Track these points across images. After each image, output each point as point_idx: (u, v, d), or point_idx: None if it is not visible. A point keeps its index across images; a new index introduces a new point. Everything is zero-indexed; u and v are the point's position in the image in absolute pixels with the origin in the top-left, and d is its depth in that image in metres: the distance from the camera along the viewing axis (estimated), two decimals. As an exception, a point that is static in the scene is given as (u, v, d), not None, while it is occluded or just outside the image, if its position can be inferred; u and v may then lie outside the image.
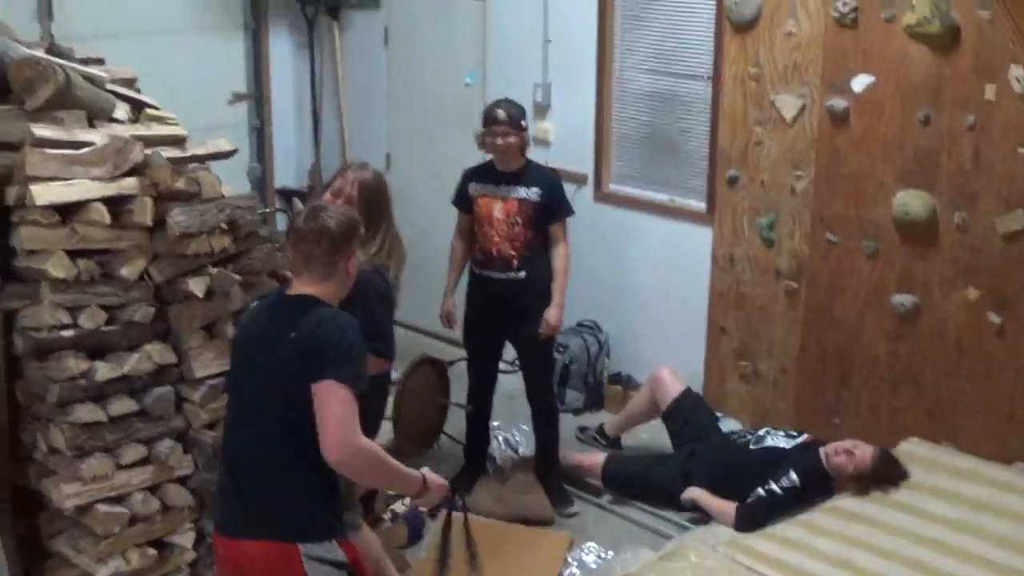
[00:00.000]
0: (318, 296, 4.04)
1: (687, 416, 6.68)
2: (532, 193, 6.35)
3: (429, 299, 6.97)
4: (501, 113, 6.35)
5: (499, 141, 6.33)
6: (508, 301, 6.43)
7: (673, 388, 6.75)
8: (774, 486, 5.88)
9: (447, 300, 6.73)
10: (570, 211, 6.64)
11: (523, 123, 6.41)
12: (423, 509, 5.94)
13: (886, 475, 5.88)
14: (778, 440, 6.23)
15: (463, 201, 6.58)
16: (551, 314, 6.38)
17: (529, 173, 6.44)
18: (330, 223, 4.07)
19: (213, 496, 4.45)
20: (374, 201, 5.12)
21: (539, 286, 6.41)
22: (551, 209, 6.42)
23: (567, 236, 6.50)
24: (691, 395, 6.79)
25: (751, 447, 6.25)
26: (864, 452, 5.93)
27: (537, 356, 6.61)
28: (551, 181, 6.54)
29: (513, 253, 6.37)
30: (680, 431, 6.68)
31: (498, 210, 6.38)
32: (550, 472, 6.66)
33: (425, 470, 4.18)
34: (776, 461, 6.02)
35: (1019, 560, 5.23)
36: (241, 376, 4.17)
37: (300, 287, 4.08)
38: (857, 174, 6.34)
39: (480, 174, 6.54)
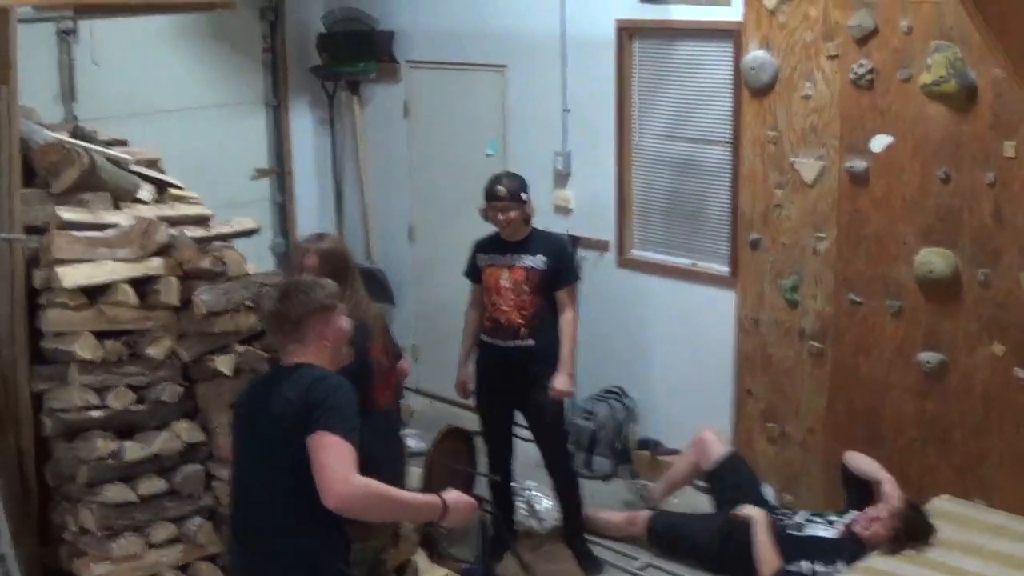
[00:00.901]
0: (311, 363, 4.10)
1: (732, 478, 6.66)
2: (538, 261, 6.39)
3: (453, 369, 6.98)
4: (500, 189, 6.40)
5: (500, 216, 6.38)
6: (517, 369, 6.44)
7: (717, 449, 6.75)
8: (820, 568, 5.87)
9: (461, 370, 6.77)
10: (576, 277, 6.71)
11: (523, 195, 6.45)
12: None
13: (916, 526, 5.86)
14: (818, 530, 6.18)
15: (474, 272, 6.63)
16: (559, 380, 6.37)
17: (534, 241, 6.49)
18: (285, 303, 4.15)
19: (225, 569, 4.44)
20: (337, 267, 5.19)
21: (548, 353, 6.42)
22: (557, 275, 6.46)
23: (575, 302, 6.53)
24: (737, 457, 6.77)
25: (791, 533, 6.19)
26: (887, 512, 5.91)
27: (547, 424, 6.60)
28: (557, 247, 6.59)
29: (521, 321, 6.40)
30: (724, 492, 6.66)
31: (505, 279, 6.42)
32: (577, 539, 6.65)
33: (450, 492, 4.16)
34: (826, 548, 5.99)
35: (1055, 617, 5.20)
36: (242, 446, 4.20)
37: (293, 359, 4.13)
38: (879, 233, 6.34)
39: (488, 244, 6.59)
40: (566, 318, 6.45)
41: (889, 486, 6.01)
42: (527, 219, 6.49)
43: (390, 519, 4.32)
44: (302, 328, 4.11)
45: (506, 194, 6.38)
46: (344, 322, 4.25)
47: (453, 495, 4.15)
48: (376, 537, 5.05)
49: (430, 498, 4.12)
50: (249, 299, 4.93)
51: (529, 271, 6.40)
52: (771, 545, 5.99)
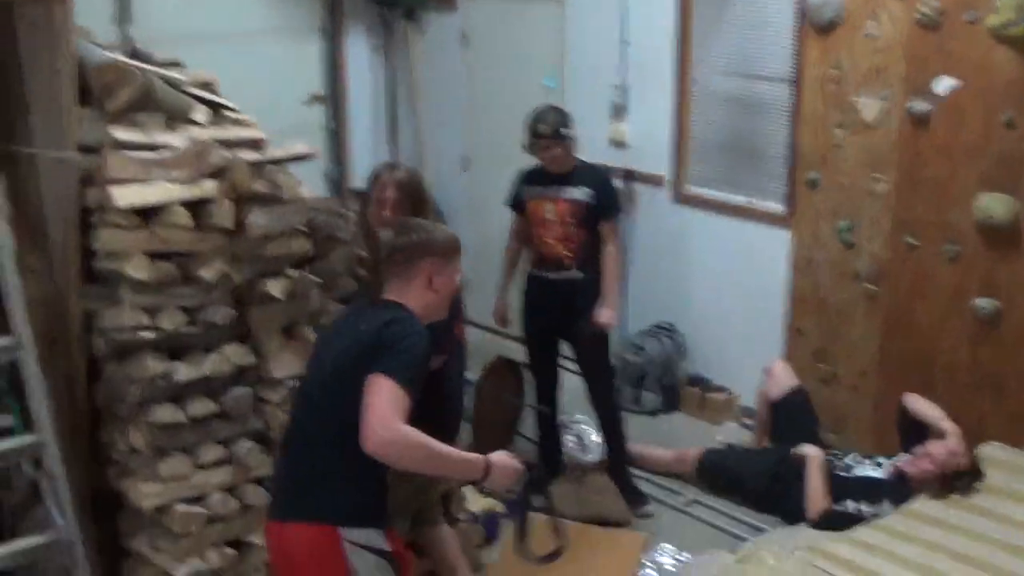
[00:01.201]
0: (403, 303, 4.09)
1: (793, 412, 6.69)
2: (582, 193, 6.39)
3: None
4: (542, 127, 6.37)
5: (543, 155, 6.38)
6: (563, 300, 6.46)
7: (785, 381, 6.79)
8: (865, 508, 5.85)
9: (500, 300, 6.79)
10: (619, 210, 6.73)
11: (564, 131, 6.40)
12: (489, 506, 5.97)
13: (966, 468, 5.83)
14: (866, 470, 6.16)
15: (517, 203, 6.63)
16: (603, 313, 6.39)
17: (579, 174, 6.48)
18: (405, 236, 4.20)
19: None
20: (417, 196, 5.20)
21: (594, 285, 6.46)
22: (601, 209, 6.45)
23: (618, 235, 6.55)
24: (802, 393, 6.76)
25: (839, 474, 6.17)
26: (936, 449, 5.89)
27: (593, 357, 6.63)
28: (602, 180, 6.58)
29: (568, 254, 6.41)
30: (783, 424, 6.67)
31: (549, 212, 6.42)
32: (622, 473, 6.66)
33: (498, 454, 4.12)
34: (872, 488, 5.97)
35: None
36: (311, 366, 4.25)
37: (390, 295, 4.15)
38: (939, 177, 6.27)
39: (532, 176, 6.59)
40: (609, 252, 6.45)
41: (955, 440, 5.96)
42: (569, 154, 6.47)
43: (427, 471, 4.27)
44: (413, 267, 4.11)
45: (548, 132, 6.36)
46: (457, 277, 4.27)
47: (499, 457, 4.11)
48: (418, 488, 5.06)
49: (474, 457, 4.07)
50: (302, 223, 4.92)
51: (574, 204, 6.40)
52: (822, 486, 5.99)
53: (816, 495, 5.98)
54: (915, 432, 6.19)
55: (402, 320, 4.02)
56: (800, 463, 6.18)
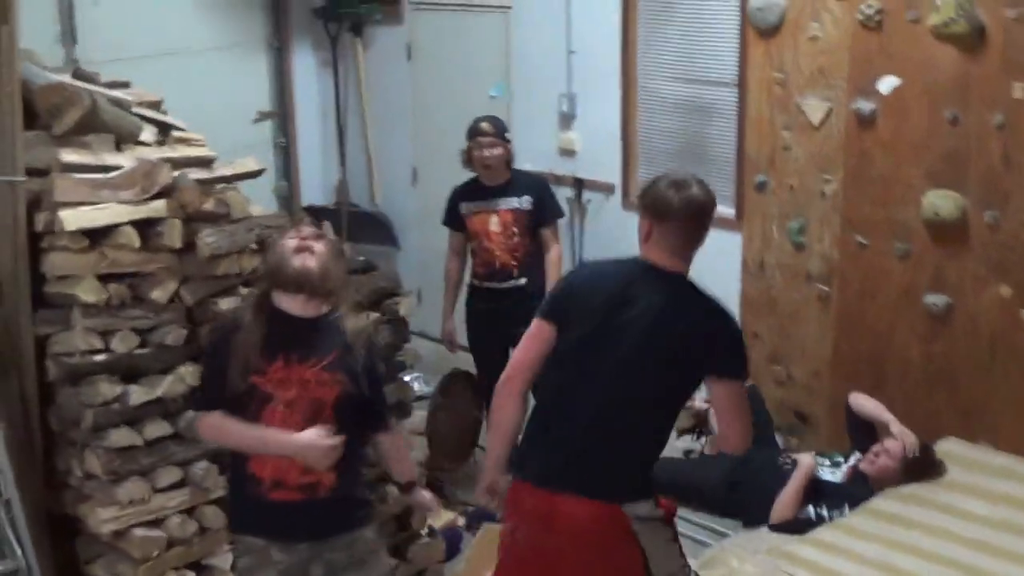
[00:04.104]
0: (684, 274, 4.22)
1: None
2: (524, 202, 6.51)
3: (458, 314, 6.99)
4: (486, 125, 6.50)
5: (487, 153, 6.44)
6: (511, 308, 6.48)
7: None
8: (825, 513, 5.86)
9: (448, 322, 6.86)
10: (560, 214, 6.88)
11: (507, 135, 6.49)
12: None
13: (924, 459, 5.87)
14: (824, 474, 6.16)
15: (455, 220, 6.67)
16: None
17: (516, 183, 6.59)
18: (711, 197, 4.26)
19: (523, 443, 4.33)
20: None
21: (539, 290, 6.46)
22: (542, 213, 6.51)
23: (559, 238, 6.64)
24: (754, 392, 6.73)
25: None
26: (892, 442, 5.92)
27: None
28: (540, 186, 6.69)
29: (514, 263, 6.50)
30: None
31: (494, 224, 6.51)
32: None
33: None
34: (832, 492, 5.98)
35: (1062, 559, 5.19)
36: (594, 333, 4.12)
37: (667, 262, 4.18)
38: (886, 176, 6.30)
39: (467, 192, 6.67)
40: (551, 256, 6.55)
41: (896, 427, 6.01)
42: (509, 161, 6.53)
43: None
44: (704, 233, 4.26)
45: (491, 130, 6.44)
46: None
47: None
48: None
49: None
50: (254, 241, 4.90)
51: (517, 213, 6.50)
52: (799, 497, 5.95)
53: (790, 503, 5.92)
54: (864, 430, 6.22)
55: (723, 311, 4.26)
56: (751, 470, 6.18)
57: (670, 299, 4.13)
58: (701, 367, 4.11)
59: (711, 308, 4.22)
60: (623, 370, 4.07)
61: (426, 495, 4.87)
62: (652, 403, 4.12)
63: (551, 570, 4.17)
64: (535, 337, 4.20)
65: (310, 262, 4.10)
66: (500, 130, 6.56)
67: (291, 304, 4.16)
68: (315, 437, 4.11)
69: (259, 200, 5.40)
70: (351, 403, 4.30)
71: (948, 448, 6.08)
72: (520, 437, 4.32)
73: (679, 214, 4.13)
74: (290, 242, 4.13)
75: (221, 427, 4.19)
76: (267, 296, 4.20)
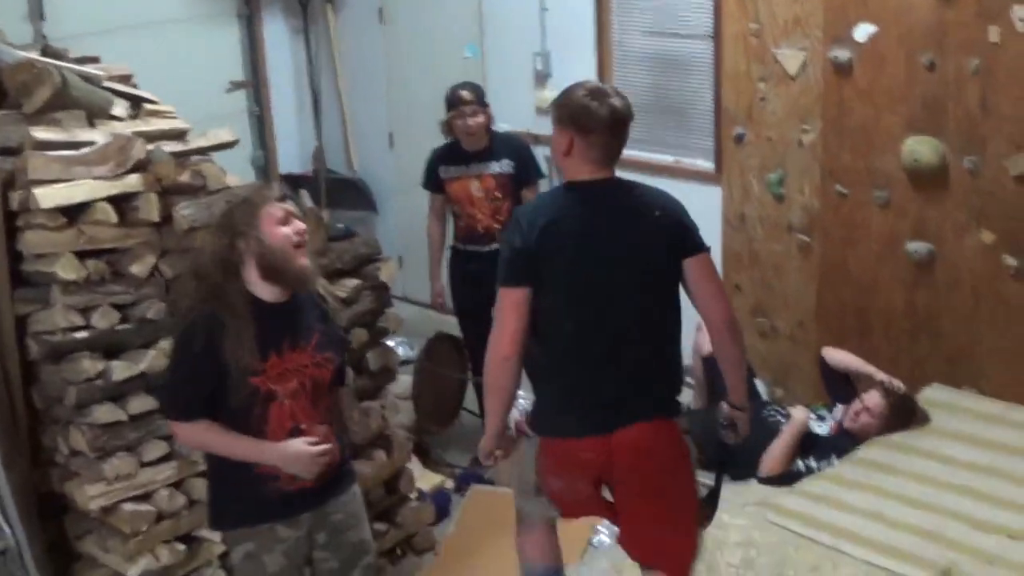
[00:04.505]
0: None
1: None
2: (505, 166, 6.51)
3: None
4: (466, 94, 6.50)
5: (470, 122, 6.42)
6: (494, 270, 6.45)
7: None
8: (814, 464, 5.87)
9: (436, 284, 6.84)
10: (541, 175, 6.83)
11: (486, 100, 6.53)
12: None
13: (906, 409, 5.88)
14: (813, 426, 6.15)
15: (435, 183, 6.66)
16: None
17: (497, 146, 6.59)
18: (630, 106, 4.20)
19: (550, 408, 4.31)
20: None
21: None
22: (523, 176, 6.51)
23: None
24: None
25: (784, 428, 6.17)
26: (871, 397, 5.93)
27: None
28: (519, 147, 6.69)
29: (497, 226, 6.48)
30: (718, 379, 6.65)
31: (476, 189, 6.51)
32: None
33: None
34: (819, 445, 5.99)
35: (1049, 502, 5.21)
36: (578, 282, 4.10)
37: (599, 174, 4.15)
38: (864, 124, 6.29)
39: (449, 156, 6.65)
40: None
41: (881, 375, 6.03)
42: (488, 126, 6.52)
43: (737, 361, 4.45)
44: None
45: (472, 98, 6.43)
46: None
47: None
48: None
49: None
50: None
51: (499, 177, 6.50)
52: (790, 452, 5.95)
53: (781, 456, 5.92)
54: (841, 383, 6.24)
55: (668, 195, 4.24)
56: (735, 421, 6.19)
57: (623, 211, 4.13)
58: (678, 251, 4.12)
59: (658, 199, 4.21)
60: (624, 295, 4.10)
61: None
62: (660, 306, 4.17)
63: (647, 493, 4.26)
64: (518, 305, 4.11)
65: (307, 259, 4.04)
66: (480, 96, 6.53)
67: (269, 291, 4.05)
68: (302, 447, 4.06)
69: (236, 171, 5.37)
70: (340, 373, 4.32)
71: (933, 395, 6.09)
72: (533, 402, 4.33)
73: (603, 125, 4.08)
74: (286, 232, 3.99)
75: (204, 440, 4.11)
76: (244, 287, 4.03)
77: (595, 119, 4.06)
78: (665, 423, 4.22)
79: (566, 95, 4.20)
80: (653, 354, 4.20)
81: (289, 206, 4.07)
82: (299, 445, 4.05)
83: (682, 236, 4.13)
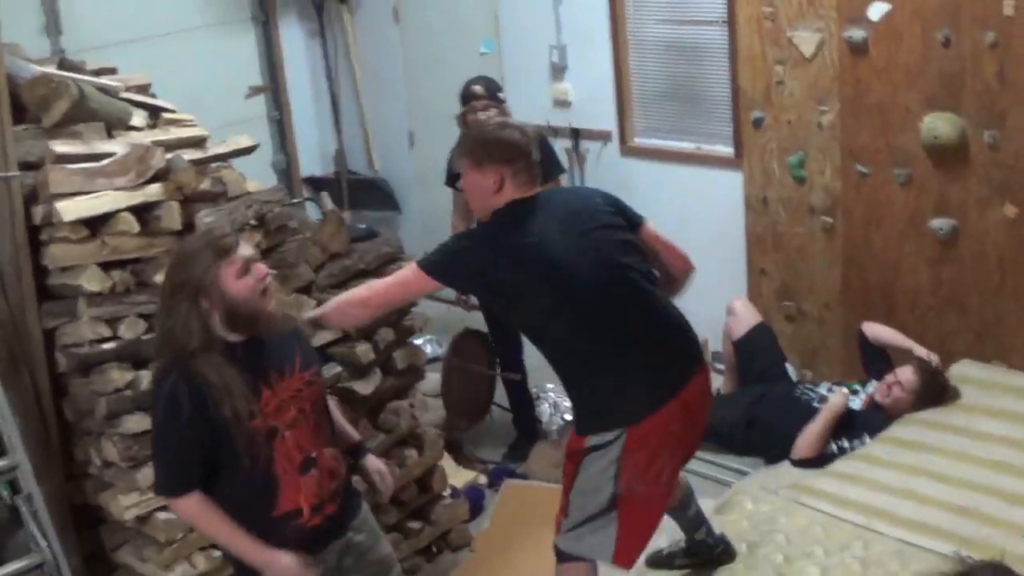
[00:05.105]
0: None
1: (758, 351, 6.68)
2: None
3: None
4: (478, 88, 6.47)
5: (481, 115, 6.37)
6: None
7: (747, 319, 6.77)
8: (847, 444, 5.87)
9: None
10: (561, 169, 6.85)
11: (500, 95, 6.50)
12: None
13: (936, 385, 5.88)
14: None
15: (455, 180, 6.63)
16: None
17: None
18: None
19: (611, 404, 4.28)
20: None
21: None
22: (543, 171, 6.47)
23: None
24: (764, 329, 6.75)
25: (817, 405, 6.16)
26: (904, 372, 5.93)
27: None
28: (538, 144, 6.60)
29: None
30: (749, 365, 6.66)
31: None
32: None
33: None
34: (851, 423, 5.98)
35: (1082, 474, 5.19)
36: (577, 278, 4.15)
37: (535, 191, 4.35)
38: (882, 103, 6.27)
39: None
40: None
41: (920, 350, 6.05)
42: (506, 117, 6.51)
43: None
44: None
45: (485, 92, 6.41)
46: None
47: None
48: None
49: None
50: (252, 217, 4.88)
51: None
52: (826, 435, 5.94)
53: (815, 441, 5.91)
54: (879, 358, 6.23)
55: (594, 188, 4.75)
56: (767, 405, 6.21)
57: (574, 205, 4.40)
58: (628, 224, 4.43)
59: (591, 190, 4.77)
60: (622, 270, 4.25)
61: (379, 462, 4.55)
62: (648, 269, 4.41)
63: (697, 433, 4.50)
64: (418, 292, 4.67)
65: (272, 302, 3.90)
66: (493, 91, 6.52)
67: (239, 334, 3.89)
68: (292, 565, 3.88)
69: (258, 176, 5.38)
70: (326, 386, 4.32)
71: (963, 370, 6.09)
72: (587, 406, 4.33)
73: (528, 147, 4.32)
74: (248, 284, 3.80)
75: (203, 518, 3.90)
76: (214, 337, 3.82)
77: (521, 145, 4.29)
78: (704, 368, 4.43)
79: (477, 139, 4.40)
80: (670, 307, 4.39)
81: (245, 251, 3.88)
82: (290, 561, 3.88)
83: (624, 212, 4.46)
